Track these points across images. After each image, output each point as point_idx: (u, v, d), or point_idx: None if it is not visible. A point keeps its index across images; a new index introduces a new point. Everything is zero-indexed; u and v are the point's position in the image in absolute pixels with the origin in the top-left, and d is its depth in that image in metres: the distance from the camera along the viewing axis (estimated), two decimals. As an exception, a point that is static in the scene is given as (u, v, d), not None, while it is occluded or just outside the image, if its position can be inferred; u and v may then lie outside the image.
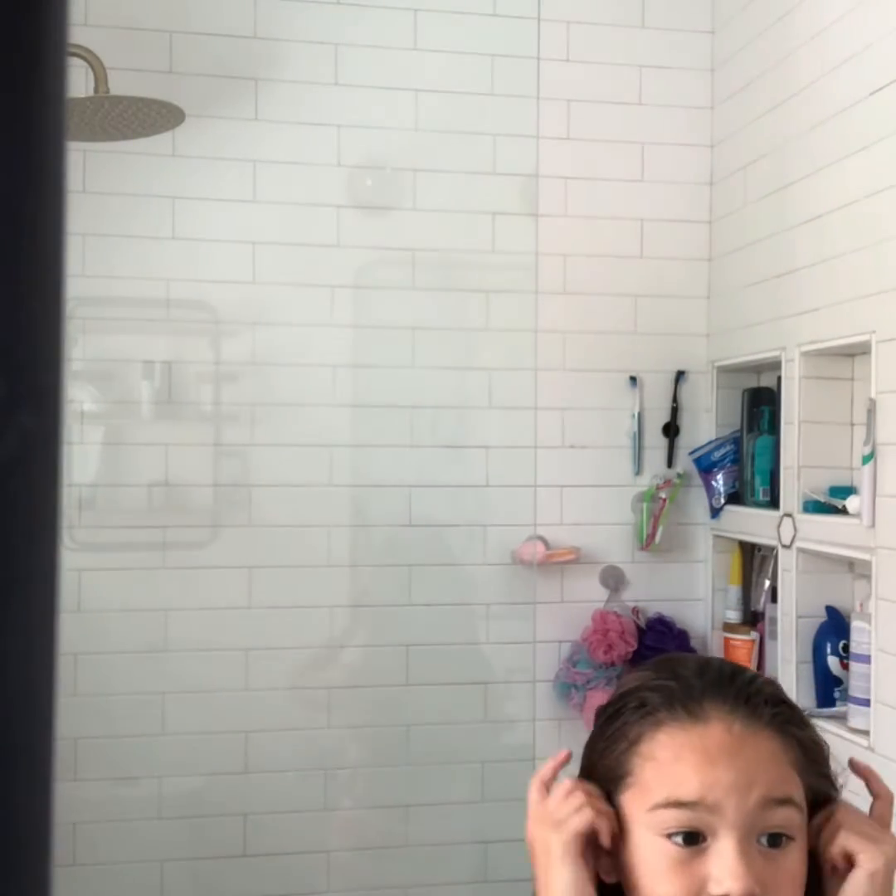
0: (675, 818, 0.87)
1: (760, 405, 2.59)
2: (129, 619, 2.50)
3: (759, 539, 2.53)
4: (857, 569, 2.26)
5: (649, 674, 0.96)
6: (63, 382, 0.26)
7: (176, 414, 2.56)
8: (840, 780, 0.94)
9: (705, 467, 2.69)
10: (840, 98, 2.19)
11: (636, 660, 2.60)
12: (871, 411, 2.05)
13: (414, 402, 2.64)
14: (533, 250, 2.65)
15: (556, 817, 0.92)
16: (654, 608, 2.73)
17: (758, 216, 2.54)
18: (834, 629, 2.26)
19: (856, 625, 2.11)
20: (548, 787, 0.96)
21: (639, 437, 2.73)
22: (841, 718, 2.14)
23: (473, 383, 2.67)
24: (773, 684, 0.95)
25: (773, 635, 2.42)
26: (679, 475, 2.73)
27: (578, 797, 0.92)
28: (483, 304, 2.67)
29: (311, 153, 2.59)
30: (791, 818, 0.88)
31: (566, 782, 0.95)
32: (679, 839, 0.87)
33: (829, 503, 2.24)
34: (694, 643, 2.71)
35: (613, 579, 2.72)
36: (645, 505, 2.70)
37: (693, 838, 0.87)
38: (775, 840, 0.87)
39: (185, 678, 2.53)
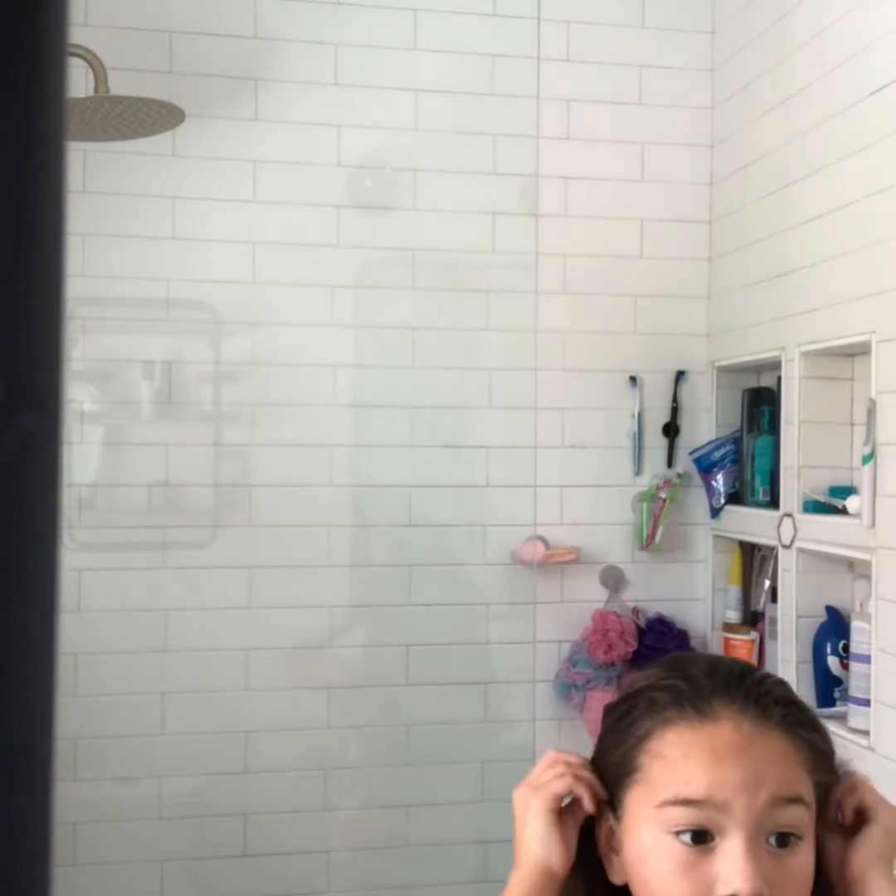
0: (683, 816, 0.87)
1: (760, 405, 2.59)
2: (129, 619, 2.50)
3: (759, 539, 2.53)
4: (857, 569, 2.26)
5: (659, 672, 0.95)
6: (63, 382, 0.26)
7: (176, 414, 2.56)
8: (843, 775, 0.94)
9: (705, 467, 2.69)
10: (840, 98, 2.19)
11: (636, 660, 2.60)
12: (871, 411, 2.05)
13: (414, 402, 2.64)
14: (533, 250, 2.65)
15: (538, 782, 0.95)
16: (654, 608, 2.73)
17: (758, 216, 2.54)
18: (834, 629, 2.26)
19: (856, 625, 2.11)
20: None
21: (639, 437, 2.73)
22: (841, 718, 2.14)
23: (473, 383, 2.67)
24: (784, 685, 0.94)
25: (773, 635, 2.42)
26: (679, 475, 2.73)
27: (560, 765, 0.95)
28: (483, 304, 2.67)
29: (311, 153, 2.59)
30: (800, 817, 0.87)
31: (549, 753, 0.97)
32: (687, 837, 0.86)
33: (829, 503, 2.24)
34: (694, 643, 2.71)
35: (613, 579, 2.72)
36: (645, 505, 2.70)
37: (701, 837, 0.86)
38: (784, 840, 0.86)
39: (185, 678, 2.53)
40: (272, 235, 2.58)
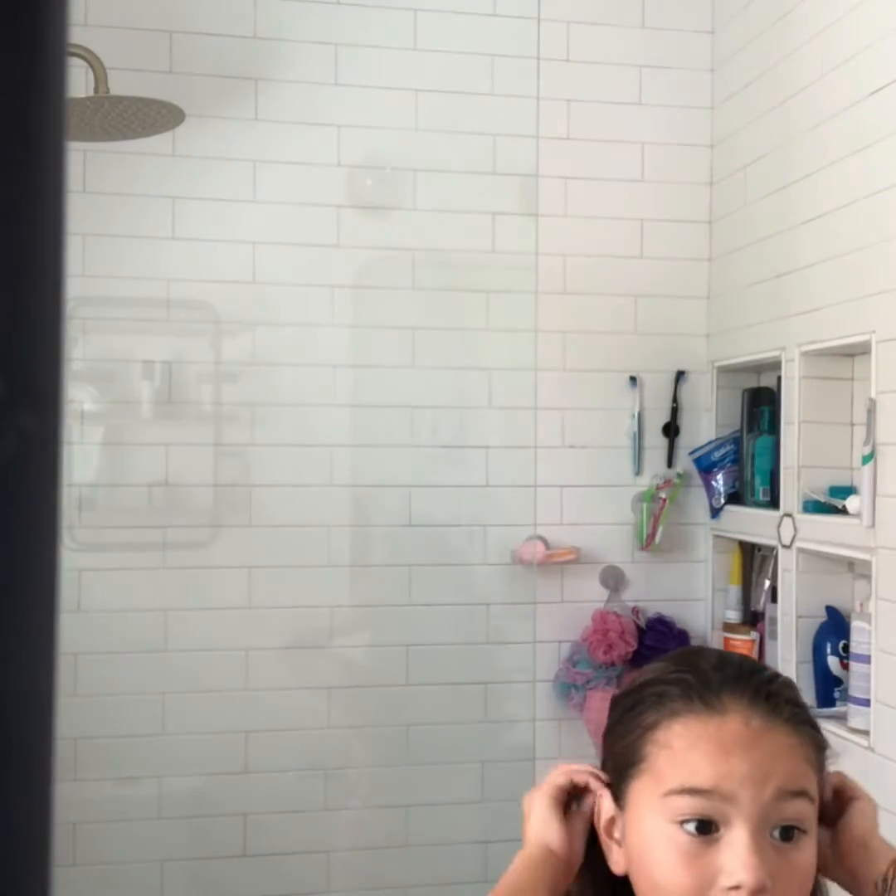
0: (688, 805, 0.86)
1: (760, 405, 2.59)
2: (129, 619, 2.50)
3: (759, 539, 2.53)
4: (857, 569, 2.26)
5: (667, 666, 0.95)
6: (63, 382, 0.26)
7: (176, 414, 2.56)
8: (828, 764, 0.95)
9: (705, 467, 2.69)
10: (840, 98, 2.19)
11: (636, 660, 2.60)
12: (871, 411, 2.05)
13: (414, 402, 2.64)
14: (533, 250, 2.65)
15: (543, 782, 0.99)
16: (654, 608, 2.73)
17: (758, 216, 2.54)
18: (834, 629, 2.26)
19: (856, 625, 2.11)
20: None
21: (639, 437, 2.73)
22: (841, 718, 2.14)
23: (473, 383, 2.67)
24: (792, 687, 0.94)
25: (773, 635, 2.42)
26: (679, 475, 2.73)
27: (564, 769, 0.99)
28: (483, 304, 2.67)
29: (311, 153, 2.59)
30: (804, 811, 0.87)
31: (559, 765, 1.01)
32: (691, 827, 0.86)
33: (829, 503, 2.24)
34: (694, 643, 2.71)
35: (613, 579, 2.72)
36: (645, 505, 2.70)
37: (705, 827, 0.86)
38: (788, 834, 0.86)
39: (185, 678, 2.53)
40: (272, 235, 2.58)
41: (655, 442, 2.76)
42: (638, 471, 2.74)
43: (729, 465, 2.65)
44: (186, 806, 2.55)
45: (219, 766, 2.55)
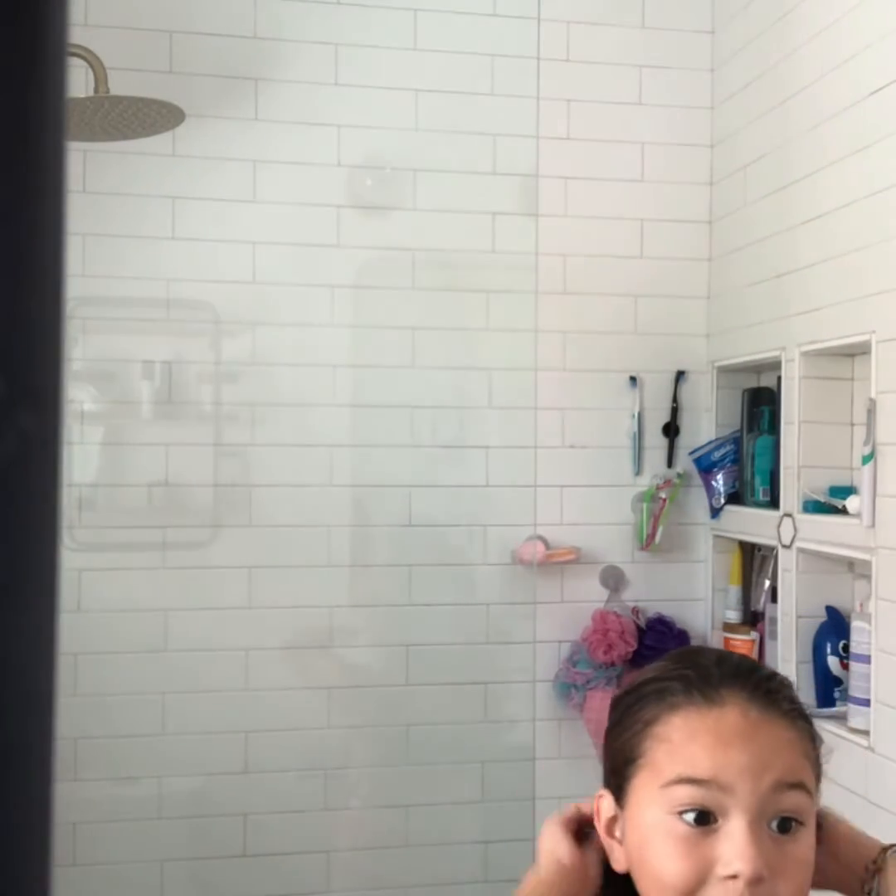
0: (687, 795, 0.87)
1: (760, 405, 2.59)
2: (129, 619, 2.50)
3: (759, 539, 2.53)
4: (857, 569, 2.26)
5: (668, 664, 0.97)
6: (63, 382, 0.26)
7: (176, 414, 2.56)
8: (824, 764, 0.96)
9: (705, 467, 2.69)
10: (840, 98, 2.19)
11: (636, 660, 2.60)
12: (871, 411, 2.05)
13: (414, 402, 2.64)
14: (533, 250, 2.65)
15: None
16: (654, 608, 2.73)
17: (758, 216, 2.54)
18: (834, 629, 2.26)
19: (856, 625, 2.11)
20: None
21: (639, 437, 2.73)
22: (841, 718, 2.14)
23: (473, 383, 2.67)
24: (789, 685, 0.96)
25: (773, 635, 2.42)
26: (679, 475, 2.73)
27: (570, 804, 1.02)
28: (483, 304, 2.67)
29: (311, 153, 2.59)
30: (802, 803, 0.88)
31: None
32: (690, 817, 0.87)
33: (829, 503, 2.24)
34: (694, 643, 2.71)
35: (613, 579, 2.72)
36: (645, 505, 2.70)
37: (704, 818, 0.86)
38: (785, 825, 0.87)
39: (185, 678, 2.53)
40: (272, 235, 2.58)
41: (655, 442, 2.76)
42: (638, 471, 2.74)
43: (729, 465, 2.65)
44: (186, 806, 2.55)
45: (219, 766, 2.55)
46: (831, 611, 2.28)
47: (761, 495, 2.54)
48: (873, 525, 2.03)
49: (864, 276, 2.08)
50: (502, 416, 2.67)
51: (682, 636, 2.70)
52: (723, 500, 2.66)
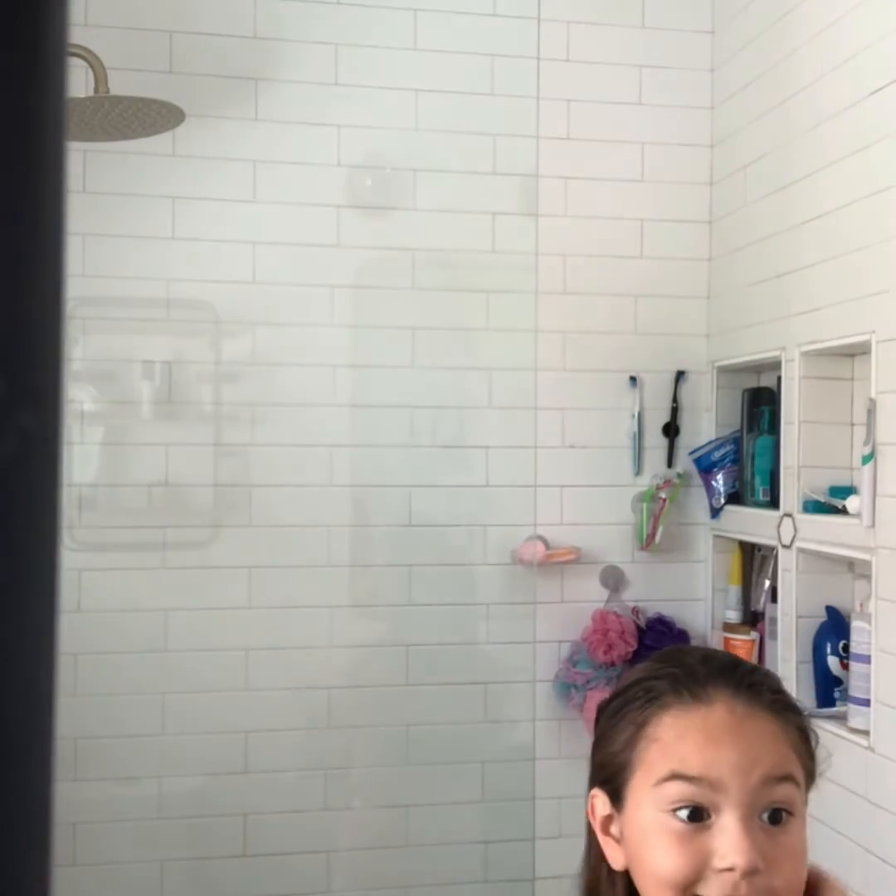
0: (679, 791, 0.89)
1: (760, 405, 2.59)
2: (129, 619, 2.50)
3: (759, 539, 2.53)
4: (857, 569, 2.26)
5: (654, 664, 0.99)
6: (63, 382, 0.26)
7: (176, 414, 2.56)
8: (822, 767, 0.97)
9: (705, 467, 2.69)
10: (840, 98, 2.19)
11: (636, 660, 2.60)
12: (871, 411, 2.05)
13: (414, 402, 2.64)
14: (533, 250, 2.65)
15: None
16: (654, 608, 2.73)
17: (758, 216, 2.54)
18: (834, 629, 2.26)
19: (856, 625, 2.11)
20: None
21: (639, 437, 2.73)
22: (841, 718, 2.14)
23: (473, 383, 2.67)
24: (773, 675, 0.98)
25: (773, 635, 2.42)
26: (679, 475, 2.73)
27: None
28: (483, 304, 2.67)
29: (311, 153, 2.59)
30: (791, 795, 0.91)
31: None
32: (684, 814, 0.89)
33: (829, 503, 2.24)
34: (694, 643, 2.71)
35: (613, 579, 2.72)
36: (645, 505, 2.70)
37: (697, 814, 0.88)
38: (776, 816, 0.89)
39: (185, 678, 2.53)
40: (272, 235, 2.58)
41: (655, 442, 2.76)
42: (638, 471, 2.74)
43: (729, 465, 2.65)
44: (186, 806, 2.55)
45: (219, 766, 2.55)
46: (831, 611, 2.28)
47: (761, 495, 2.54)
48: (873, 525, 2.03)
49: (864, 276, 2.08)
50: (502, 416, 2.67)
51: (682, 636, 2.70)
52: (723, 500, 2.66)
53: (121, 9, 2.48)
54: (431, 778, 2.64)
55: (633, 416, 2.73)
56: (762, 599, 2.57)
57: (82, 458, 2.52)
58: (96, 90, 2.09)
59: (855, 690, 2.10)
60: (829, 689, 2.25)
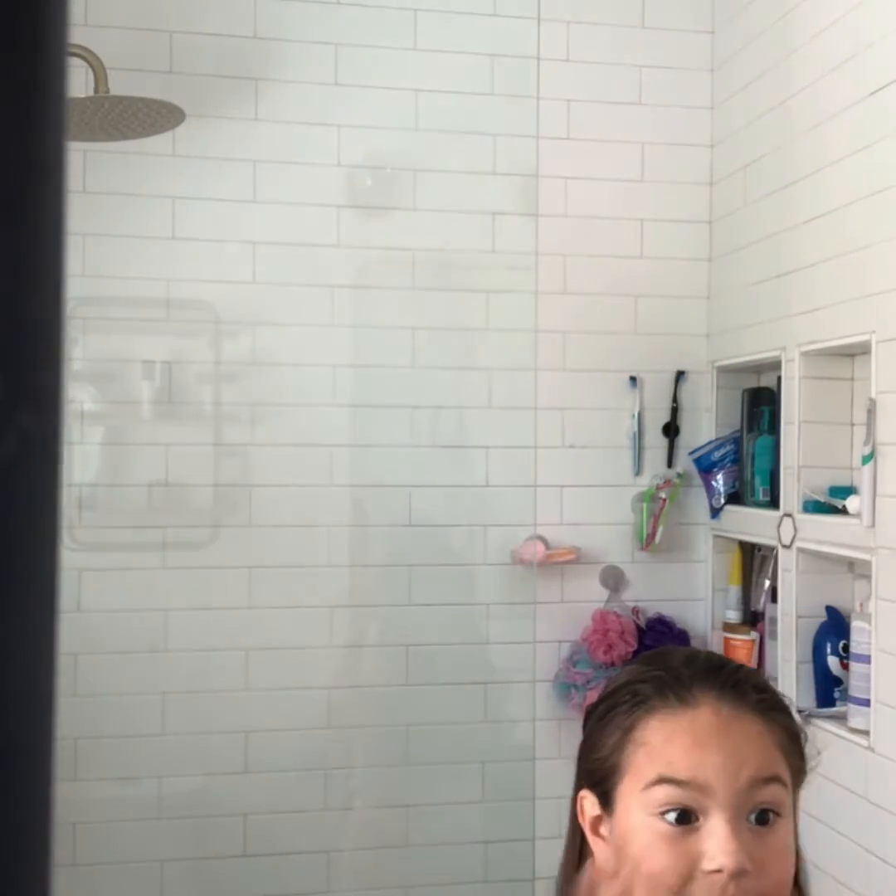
0: (667, 795, 0.90)
1: (760, 405, 2.59)
2: (129, 619, 2.50)
3: (759, 539, 2.53)
4: (857, 569, 2.26)
5: (639, 667, 0.99)
6: (63, 382, 0.26)
7: (176, 414, 2.56)
8: (812, 763, 0.97)
9: (705, 467, 2.69)
10: (840, 98, 2.19)
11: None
12: (871, 411, 2.05)
13: (414, 402, 2.64)
14: (533, 250, 2.65)
15: None
16: (654, 608, 2.73)
17: (758, 216, 2.54)
18: (834, 629, 2.26)
19: (856, 625, 2.11)
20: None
21: (639, 437, 2.73)
22: (841, 718, 2.14)
23: (473, 383, 2.67)
24: (758, 673, 1.00)
25: (773, 635, 2.42)
26: (679, 475, 2.73)
27: None
28: (483, 304, 2.67)
29: (311, 153, 2.59)
30: (778, 795, 0.91)
31: None
32: (672, 817, 0.90)
33: (829, 503, 2.24)
34: (694, 643, 2.71)
35: (613, 579, 2.72)
36: (645, 505, 2.70)
37: (685, 817, 0.89)
38: (763, 817, 0.90)
39: (185, 678, 2.53)
40: (272, 235, 2.57)
41: (655, 442, 2.75)
42: (638, 471, 2.74)
43: (729, 465, 2.65)
44: (186, 806, 2.55)
45: (219, 766, 2.55)
46: (831, 611, 2.28)
47: (761, 495, 2.54)
48: (873, 525, 2.03)
49: (864, 276, 2.08)
50: (502, 416, 2.67)
51: (682, 636, 2.70)
52: (723, 500, 2.66)
53: (121, 9, 2.48)
54: (431, 778, 2.64)
55: (633, 416, 2.73)
56: (762, 599, 2.57)
57: (82, 458, 2.52)
58: (96, 90, 2.09)
59: (855, 690, 2.10)
60: (829, 689, 2.25)
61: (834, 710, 2.20)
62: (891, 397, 2.00)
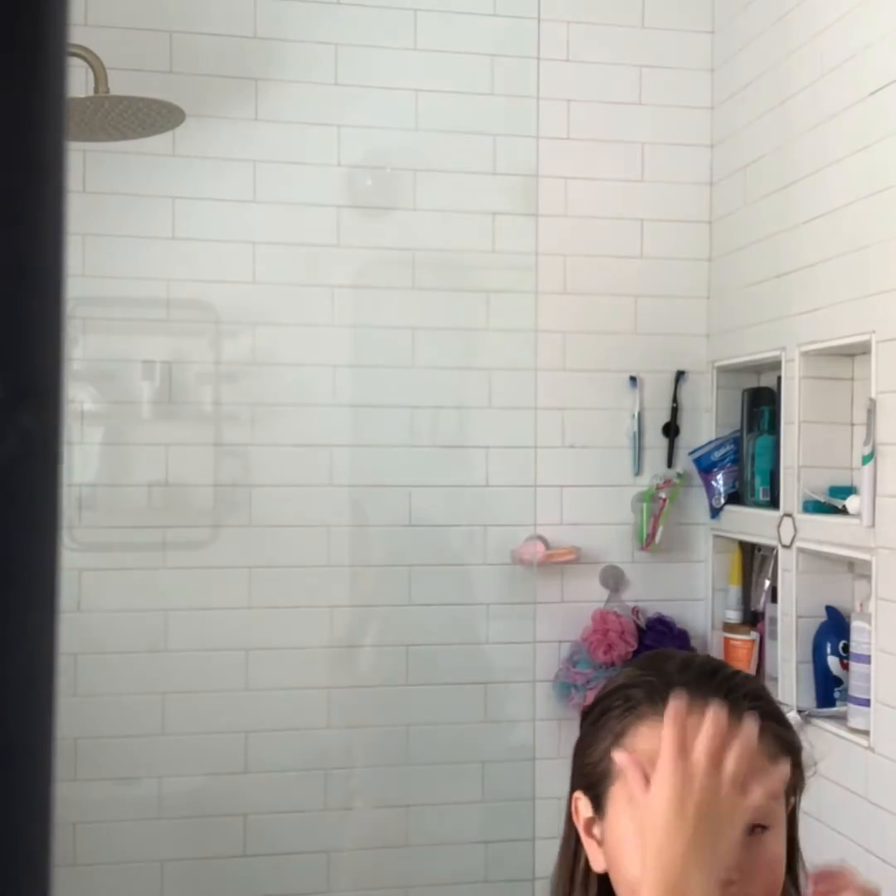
0: None
1: (760, 405, 2.59)
2: (129, 619, 2.50)
3: (759, 539, 2.53)
4: (857, 569, 2.26)
5: (634, 671, 0.99)
6: (63, 382, 0.26)
7: (176, 414, 2.56)
8: (808, 773, 0.97)
9: (705, 467, 2.69)
10: (840, 98, 2.19)
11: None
12: (871, 411, 2.05)
13: (414, 402, 2.64)
14: (533, 250, 2.65)
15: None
16: (654, 608, 2.73)
17: (758, 216, 2.54)
18: (834, 629, 2.26)
19: (856, 625, 2.11)
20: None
21: (639, 437, 2.73)
22: (841, 718, 2.14)
23: (473, 383, 2.67)
24: (754, 680, 0.98)
25: (773, 635, 2.42)
26: (679, 475, 2.73)
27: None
28: (483, 304, 2.67)
29: (311, 153, 2.59)
30: (768, 808, 0.90)
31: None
32: None
33: (829, 503, 2.24)
34: (694, 643, 2.71)
35: (613, 579, 2.72)
36: (645, 505, 2.70)
37: None
38: (751, 828, 0.90)
39: (185, 678, 2.53)
40: (272, 235, 2.57)
41: (655, 442, 2.75)
42: (638, 471, 2.74)
43: (729, 465, 2.65)
44: (186, 806, 2.55)
45: (219, 766, 2.55)
46: (831, 611, 2.28)
47: (761, 495, 2.54)
48: (873, 525, 2.03)
49: (864, 275, 2.08)
50: (502, 416, 2.67)
51: (682, 636, 2.70)
52: (723, 500, 2.66)
53: (121, 9, 2.48)
54: (431, 778, 2.64)
55: (633, 416, 2.73)
56: (762, 599, 2.57)
57: (82, 458, 2.52)
58: (96, 90, 2.09)
59: (855, 690, 2.10)
60: (829, 689, 2.25)
61: (834, 710, 2.20)
62: (891, 397, 2.00)
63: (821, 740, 2.12)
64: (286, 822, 2.58)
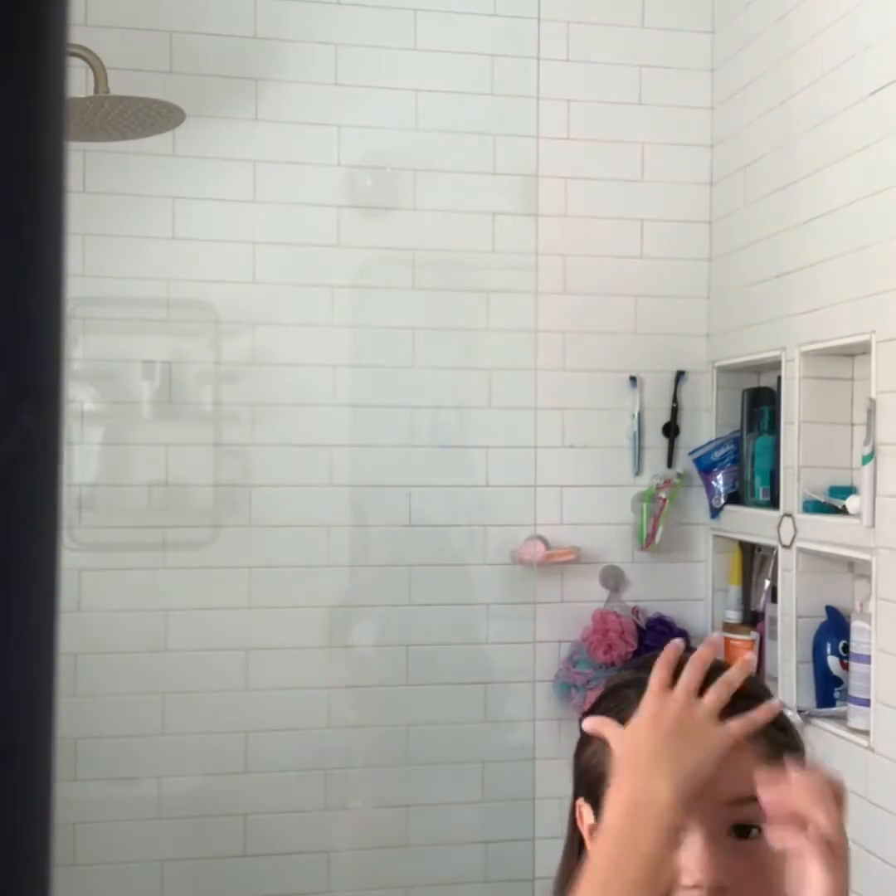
0: None
1: (760, 405, 2.59)
2: (129, 619, 2.50)
3: (759, 539, 2.53)
4: (857, 569, 2.26)
5: (631, 672, 0.99)
6: (63, 382, 0.26)
7: (176, 414, 2.56)
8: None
9: (705, 467, 2.69)
10: (840, 98, 2.19)
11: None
12: (871, 411, 2.05)
13: (414, 402, 2.64)
14: (533, 250, 2.65)
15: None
16: (654, 608, 2.73)
17: (758, 216, 2.54)
18: (834, 629, 2.26)
19: (856, 625, 2.11)
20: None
21: (639, 437, 2.73)
22: (841, 718, 2.14)
23: (473, 383, 2.67)
24: (752, 680, 0.97)
25: (773, 635, 2.42)
26: (679, 475, 2.73)
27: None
28: (483, 304, 2.67)
29: (311, 153, 2.59)
30: (760, 814, 0.89)
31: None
32: None
33: (829, 503, 2.24)
34: (694, 643, 2.71)
35: (613, 579, 2.72)
36: (645, 505, 2.70)
37: None
38: (744, 831, 0.89)
39: (185, 678, 2.53)
40: (272, 235, 2.58)
41: (655, 442, 2.75)
42: (638, 471, 2.74)
43: (729, 465, 2.65)
44: (186, 806, 2.55)
45: (219, 766, 2.55)
46: (831, 611, 2.28)
47: (761, 495, 2.54)
48: (873, 525, 2.03)
49: (865, 275, 2.08)
50: (502, 416, 2.67)
51: (682, 636, 2.70)
52: (723, 500, 2.66)
53: (121, 9, 2.48)
54: (431, 778, 2.64)
55: (633, 416, 2.73)
56: (762, 599, 2.57)
57: (82, 458, 2.52)
58: (96, 90, 2.09)
59: (855, 690, 2.10)
60: (829, 689, 2.25)
61: (834, 710, 2.20)
62: (891, 397, 2.00)
63: (821, 741, 2.12)
64: (286, 822, 2.58)
